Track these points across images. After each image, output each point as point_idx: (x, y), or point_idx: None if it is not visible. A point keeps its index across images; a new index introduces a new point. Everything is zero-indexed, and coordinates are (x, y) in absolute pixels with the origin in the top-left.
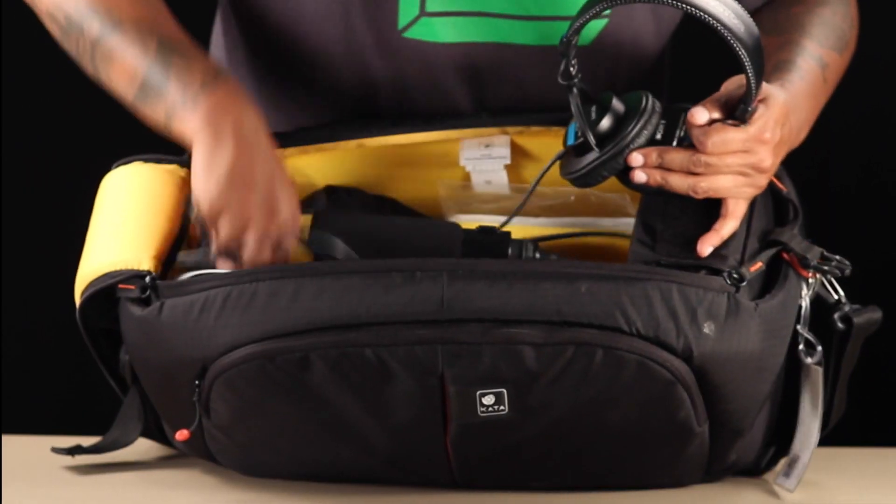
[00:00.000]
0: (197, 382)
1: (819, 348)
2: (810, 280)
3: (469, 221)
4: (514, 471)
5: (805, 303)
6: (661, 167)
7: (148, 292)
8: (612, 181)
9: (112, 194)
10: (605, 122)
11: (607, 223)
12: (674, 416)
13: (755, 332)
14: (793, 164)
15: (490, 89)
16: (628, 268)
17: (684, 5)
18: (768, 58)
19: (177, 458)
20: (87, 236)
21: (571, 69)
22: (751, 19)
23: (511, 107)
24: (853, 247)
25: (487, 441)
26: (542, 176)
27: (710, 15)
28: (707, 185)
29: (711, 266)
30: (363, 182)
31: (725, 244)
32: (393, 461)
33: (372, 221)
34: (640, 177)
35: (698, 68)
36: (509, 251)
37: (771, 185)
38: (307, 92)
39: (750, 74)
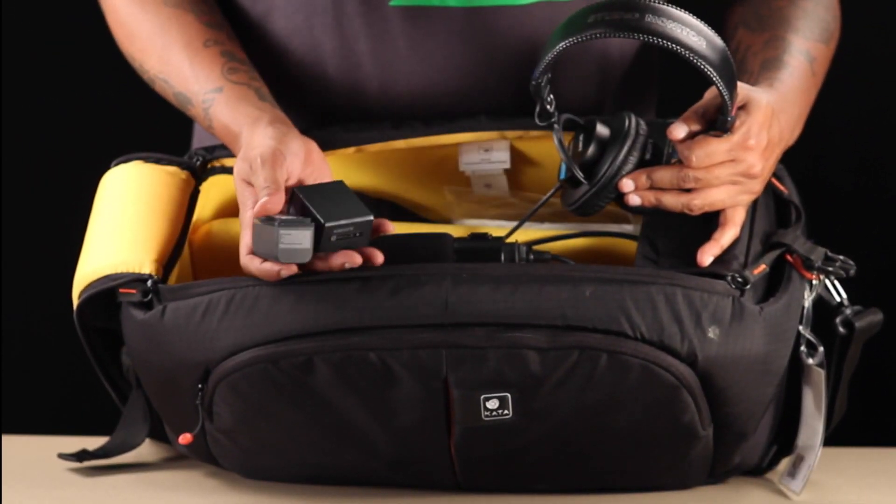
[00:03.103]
0: (200, 386)
1: (821, 349)
2: (814, 282)
3: (475, 226)
4: (518, 474)
5: (807, 304)
6: (653, 188)
7: (150, 296)
8: None
9: (111, 194)
10: (591, 151)
11: (612, 229)
12: (678, 419)
13: (760, 336)
14: (791, 163)
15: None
16: (633, 271)
17: (643, 35)
18: (755, 56)
19: (178, 459)
20: (85, 236)
21: (548, 108)
22: (712, 31)
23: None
24: (852, 247)
25: (491, 445)
26: (540, 206)
27: (669, 39)
28: (701, 202)
29: (715, 270)
30: (363, 185)
31: (728, 249)
32: (396, 465)
33: None
34: (634, 200)
35: (693, 76)
36: (502, 256)
37: (772, 188)
38: (302, 76)
39: (721, 88)
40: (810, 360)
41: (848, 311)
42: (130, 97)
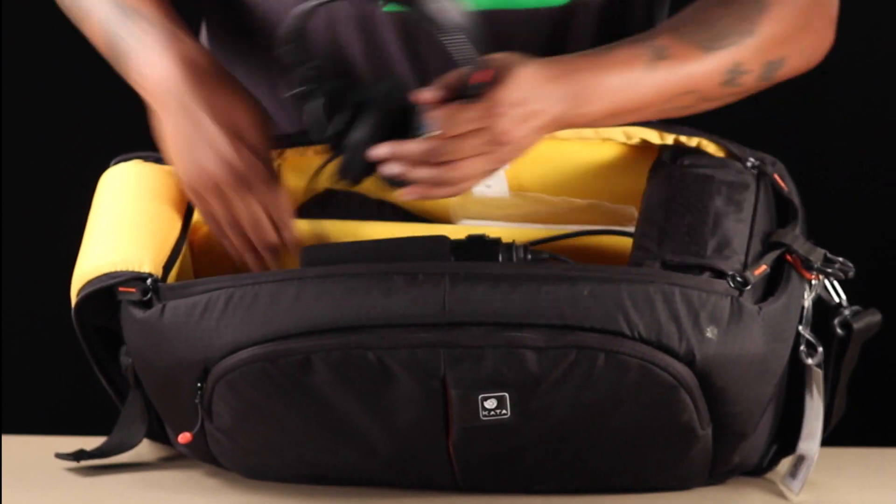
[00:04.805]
0: (199, 385)
1: (820, 349)
2: (813, 282)
3: (479, 227)
4: (516, 474)
5: (807, 304)
6: (402, 160)
7: (149, 295)
8: (626, 186)
9: (111, 192)
10: (340, 118)
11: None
12: (677, 419)
13: (758, 336)
14: (791, 163)
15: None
16: (631, 270)
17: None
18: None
19: (178, 459)
20: (84, 234)
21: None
22: None
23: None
24: (852, 247)
25: (490, 445)
26: (320, 169)
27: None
28: (457, 174)
29: (715, 267)
30: (363, 185)
31: (728, 244)
32: (395, 464)
33: (358, 246)
34: (388, 171)
35: None
36: (500, 257)
37: (772, 185)
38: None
39: (455, 52)
40: (809, 360)
41: (846, 313)
42: (130, 97)
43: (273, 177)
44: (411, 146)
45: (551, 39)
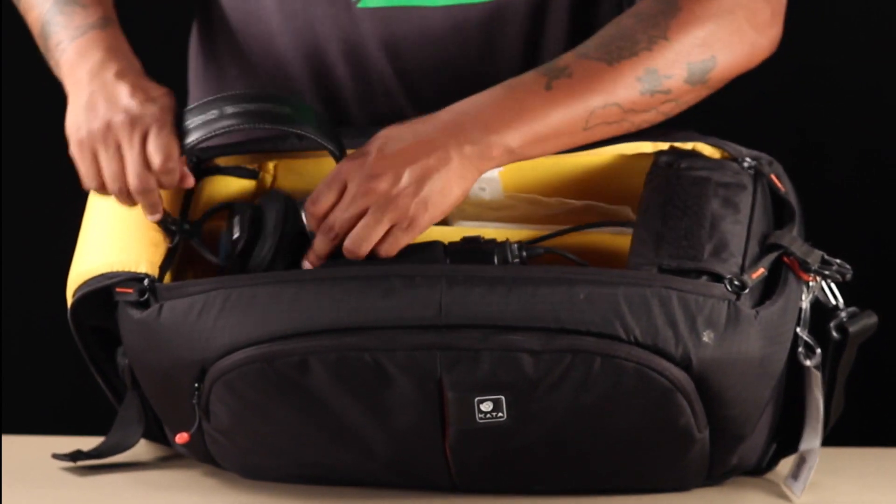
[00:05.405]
0: (196, 385)
1: (818, 351)
2: (811, 284)
3: (474, 228)
4: (513, 476)
5: (804, 306)
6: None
7: (146, 295)
8: (621, 188)
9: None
10: (244, 239)
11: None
12: (674, 423)
13: (755, 339)
14: (788, 162)
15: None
16: (628, 274)
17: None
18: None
19: (176, 459)
20: (80, 235)
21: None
22: (291, 97)
23: (434, 83)
24: (851, 245)
25: (486, 447)
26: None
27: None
28: (351, 244)
29: (713, 271)
30: None
31: (726, 247)
32: (393, 465)
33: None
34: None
35: None
36: (494, 257)
37: (769, 185)
38: (283, 83)
39: (322, 142)
40: (808, 362)
41: (843, 315)
42: None
43: (168, 127)
44: (319, 244)
45: (526, 30)
